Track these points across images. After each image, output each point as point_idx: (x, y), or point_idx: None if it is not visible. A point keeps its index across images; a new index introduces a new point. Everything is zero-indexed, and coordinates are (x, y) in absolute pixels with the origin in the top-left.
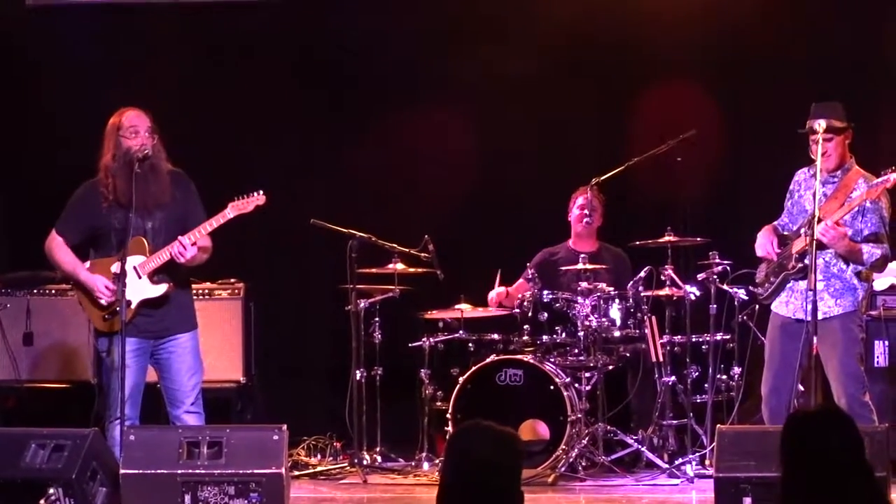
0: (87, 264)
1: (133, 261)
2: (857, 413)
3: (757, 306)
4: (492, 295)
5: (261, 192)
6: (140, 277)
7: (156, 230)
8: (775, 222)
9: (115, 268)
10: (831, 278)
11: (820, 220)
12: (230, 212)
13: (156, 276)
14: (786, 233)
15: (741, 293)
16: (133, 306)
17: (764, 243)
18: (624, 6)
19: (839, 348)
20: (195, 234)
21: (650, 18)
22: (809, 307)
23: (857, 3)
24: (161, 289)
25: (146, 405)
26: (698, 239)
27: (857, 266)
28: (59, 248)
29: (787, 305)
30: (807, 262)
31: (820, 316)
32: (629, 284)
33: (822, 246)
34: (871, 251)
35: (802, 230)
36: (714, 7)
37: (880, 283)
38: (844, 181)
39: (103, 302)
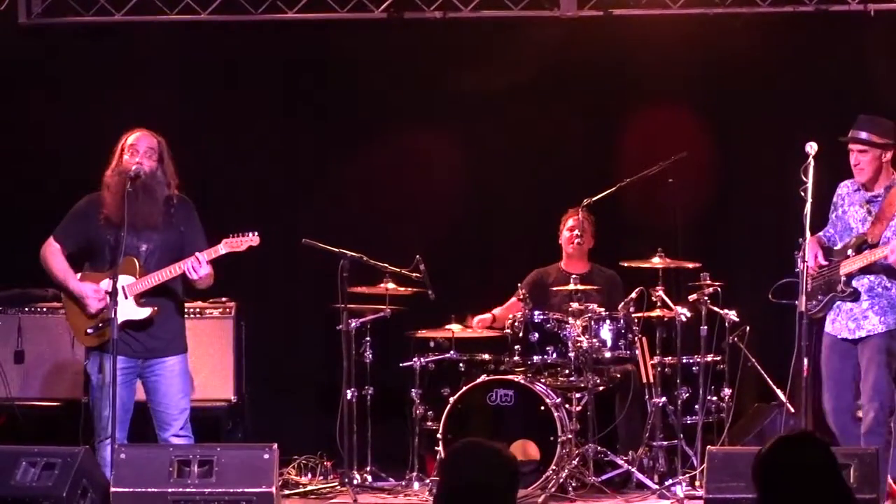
0: (79, 276)
1: (122, 280)
2: (877, 431)
3: (748, 328)
4: (476, 320)
5: (255, 233)
6: (126, 298)
7: (149, 252)
8: (820, 233)
9: (105, 284)
10: (876, 297)
11: (866, 244)
12: (222, 248)
13: (142, 298)
14: (832, 246)
15: (732, 314)
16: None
17: (808, 256)
18: (617, 29)
19: (874, 363)
20: (208, 253)
21: (643, 41)
22: (853, 325)
23: (846, 27)
24: (145, 312)
25: (136, 425)
26: (689, 261)
27: None
28: (53, 256)
29: (833, 324)
30: (855, 285)
31: (864, 333)
32: (620, 305)
33: (868, 269)
34: None
35: (849, 251)
36: (707, 30)
37: None
38: (888, 200)
39: (92, 309)
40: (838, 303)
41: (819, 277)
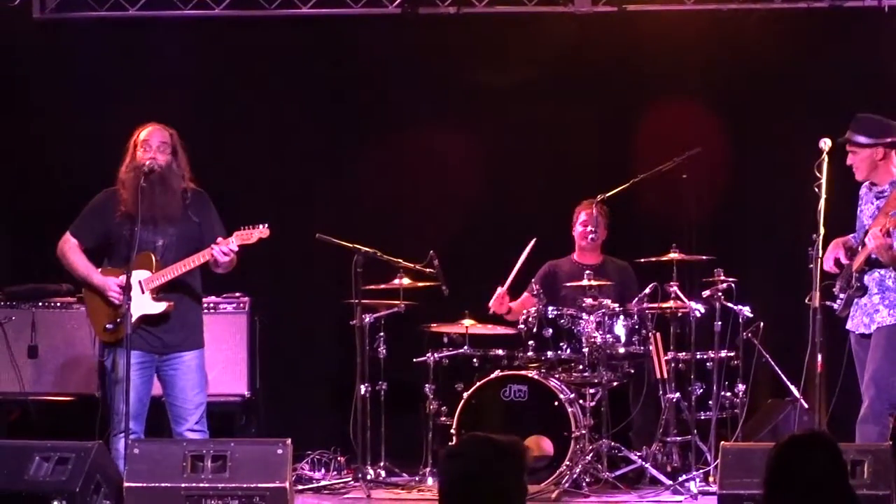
0: (99, 271)
1: (139, 275)
2: (871, 419)
3: (762, 323)
4: (493, 300)
5: (265, 225)
6: (143, 293)
7: (166, 247)
8: (849, 235)
9: (121, 280)
10: (886, 291)
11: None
12: (234, 241)
13: (159, 293)
14: (855, 245)
15: (746, 310)
16: (133, 320)
17: (828, 257)
18: (631, 25)
19: (878, 353)
20: (232, 241)
21: (657, 36)
22: (867, 320)
23: (861, 22)
24: (161, 306)
25: (152, 419)
26: (703, 256)
27: None
28: (72, 251)
29: (852, 321)
30: (867, 279)
31: (875, 327)
32: (634, 301)
33: (874, 263)
34: None
35: (859, 248)
36: (721, 26)
37: None
38: (892, 195)
39: (118, 301)
40: (855, 299)
41: (844, 276)
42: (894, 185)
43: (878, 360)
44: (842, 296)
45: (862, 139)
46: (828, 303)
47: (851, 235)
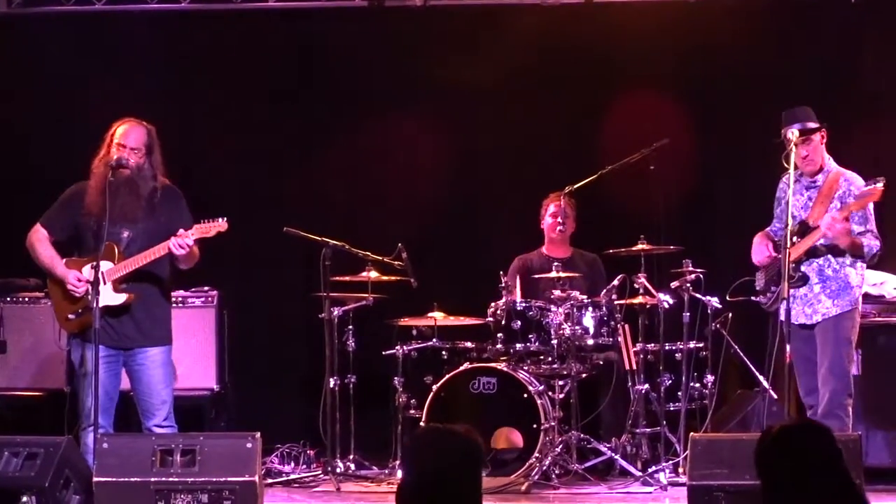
0: (64, 262)
1: (101, 266)
2: (833, 413)
3: (730, 314)
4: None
5: (224, 218)
6: (105, 283)
7: (131, 239)
8: (768, 228)
9: (87, 272)
10: (827, 280)
11: (808, 227)
12: (194, 233)
13: (121, 284)
14: (778, 239)
15: (714, 301)
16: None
17: (759, 250)
18: (598, 17)
19: (829, 347)
20: (190, 233)
21: (624, 28)
22: (809, 311)
23: (827, 12)
24: (121, 298)
25: (120, 413)
26: (671, 247)
27: (855, 261)
28: (40, 242)
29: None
30: (804, 270)
31: (819, 318)
32: (602, 292)
33: (813, 253)
34: (869, 244)
35: (794, 238)
36: (687, 17)
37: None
38: (827, 183)
39: (77, 294)
40: (792, 290)
41: (771, 269)
42: (826, 173)
43: (830, 353)
44: (773, 288)
45: (812, 123)
46: (753, 298)
47: (769, 228)
